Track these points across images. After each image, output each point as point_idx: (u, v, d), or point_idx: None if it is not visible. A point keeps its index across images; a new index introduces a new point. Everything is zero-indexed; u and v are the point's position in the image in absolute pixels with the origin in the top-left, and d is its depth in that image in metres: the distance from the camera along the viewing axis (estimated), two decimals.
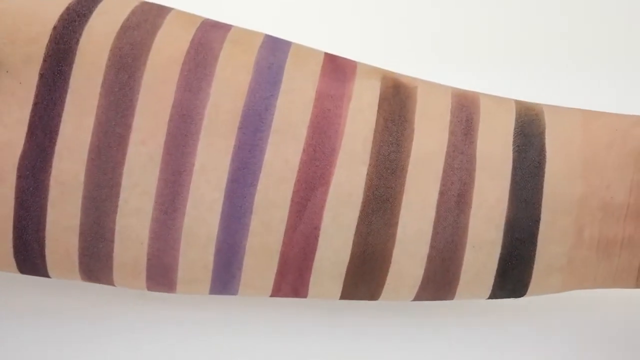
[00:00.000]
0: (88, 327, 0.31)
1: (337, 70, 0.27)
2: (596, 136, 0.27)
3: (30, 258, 0.27)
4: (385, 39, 0.41)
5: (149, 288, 0.28)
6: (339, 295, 0.28)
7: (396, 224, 0.26)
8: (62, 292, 0.32)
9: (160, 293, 0.29)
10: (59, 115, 0.26)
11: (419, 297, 0.28)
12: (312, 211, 0.26)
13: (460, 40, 0.41)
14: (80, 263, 0.27)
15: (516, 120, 0.27)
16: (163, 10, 0.28)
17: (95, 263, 0.27)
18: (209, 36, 0.27)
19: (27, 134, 0.26)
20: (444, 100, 0.27)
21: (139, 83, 0.26)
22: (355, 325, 0.31)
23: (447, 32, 0.42)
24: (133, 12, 0.27)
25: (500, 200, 0.26)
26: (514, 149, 0.26)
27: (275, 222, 0.26)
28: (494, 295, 0.28)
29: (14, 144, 0.26)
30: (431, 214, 0.26)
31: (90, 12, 0.27)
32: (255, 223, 0.26)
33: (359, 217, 0.26)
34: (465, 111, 0.27)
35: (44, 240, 0.27)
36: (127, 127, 0.26)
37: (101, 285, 0.29)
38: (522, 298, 0.28)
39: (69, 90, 0.26)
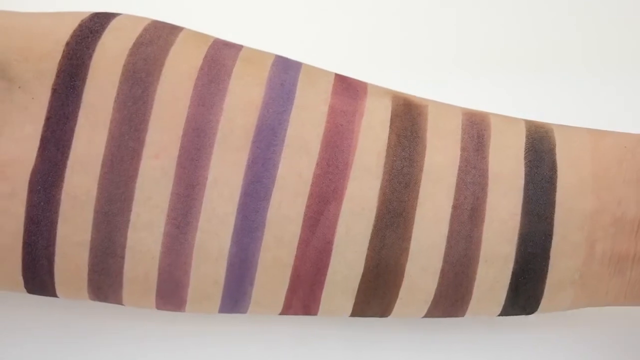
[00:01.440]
0: (90, 342, 0.30)
1: (349, 88, 0.28)
2: (606, 153, 0.27)
3: (38, 275, 0.27)
4: (390, 54, 0.40)
5: (158, 306, 0.28)
6: (350, 311, 0.28)
7: (409, 237, 0.26)
8: (64, 308, 0.32)
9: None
10: (72, 130, 0.26)
11: (430, 313, 0.28)
12: (325, 225, 0.26)
13: (465, 50, 0.41)
14: (90, 280, 0.27)
15: (526, 137, 0.27)
16: (175, 29, 0.28)
17: (105, 279, 0.27)
18: (222, 53, 0.27)
19: (39, 148, 0.26)
20: (455, 118, 0.28)
21: (152, 98, 0.26)
22: (362, 339, 0.31)
23: (451, 41, 0.41)
24: (146, 29, 0.27)
25: (513, 215, 0.26)
26: (525, 164, 0.27)
27: (288, 237, 0.26)
28: (505, 311, 0.28)
29: (25, 158, 0.26)
30: (444, 228, 0.26)
31: (103, 28, 0.27)
32: (268, 237, 0.26)
33: (372, 231, 0.26)
34: (476, 128, 0.27)
35: (53, 257, 0.26)
36: (140, 141, 0.26)
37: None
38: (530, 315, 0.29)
39: (82, 105, 0.26)
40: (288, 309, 0.28)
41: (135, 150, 0.26)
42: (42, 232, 0.26)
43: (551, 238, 0.26)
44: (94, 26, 0.27)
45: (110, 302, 0.28)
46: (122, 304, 0.28)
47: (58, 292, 0.28)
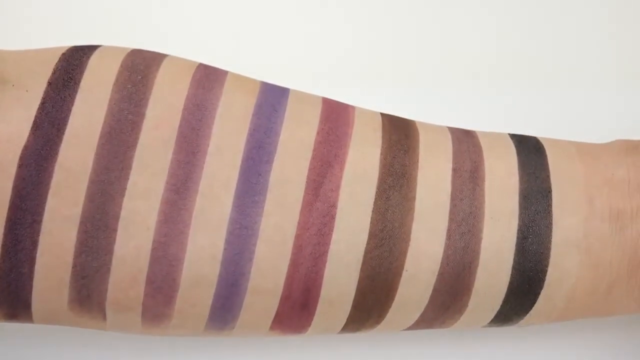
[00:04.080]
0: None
1: (338, 102, 0.29)
2: (583, 144, 0.29)
3: (17, 265, 0.25)
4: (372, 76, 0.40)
5: (146, 301, 0.25)
6: (351, 301, 0.26)
7: (413, 197, 0.26)
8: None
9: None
10: (68, 110, 0.26)
11: (435, 294, 0.26)
12: (329, 188, 0.26)
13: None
14: (74, 265, 0.25)
15: (508, 134, 0.29)
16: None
17: (92, 262, 0.25)
18: (213, 67, 0.29)
19: (32, 127, 0.25)
20: (438, 126, 0.29)
21: (152, 82, 0.27)
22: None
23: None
24: (138, 49, 0.29)
25: (512, 174, 0.27)
26: (513, 140, 0.28)
27: (290, 201, 0.25)
28: (512, 285, 0.26)
29: (17, 137, 0.25)
30: (447, 187, 0.26)
31: (99, 45, 0.28)
32: (270, 201, 0.25)
33: (376, 192, 0.26)
34: (459, 129, 0.29)
35: (37, 236, 0.25)
36: (140, 114, 0.26)
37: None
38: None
39: (79, 90, 0.26)
40: (286, 301, 0.26)
41: (135, 122, 0.26)
42: (29, 207, 0.25)
43: (551, 194, 0.27)
44: (89, 46, 0.28)
45: (92, 309, 0.26)
46: (103, 311, 0.26)
47: (34, 296, 0.25)
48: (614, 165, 0.27)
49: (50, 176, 0.25)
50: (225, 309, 0.26)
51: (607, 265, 0.27)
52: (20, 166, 0.25)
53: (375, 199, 0.26)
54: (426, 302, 0.27)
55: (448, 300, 0.27)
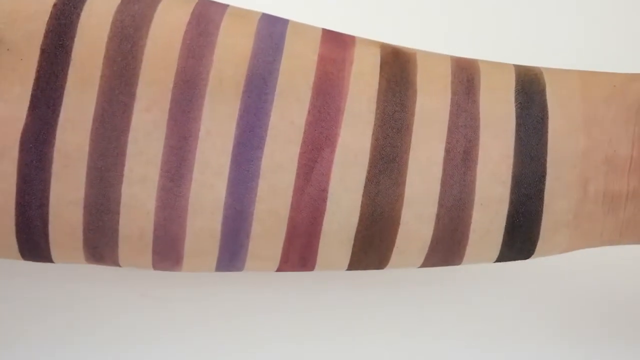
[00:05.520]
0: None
1: (337, 39, 0.28)
2: (594, 92, 0.27)
3: (32, 237, 0.27)
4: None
5: (155, 264, 0.28)
6: (347, 263, 0.28)
7: (404, 183, 0.26)
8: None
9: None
10: (62, 88, 0.26)
11: (427, 260, 0.28)
12: (320, 173, 0.26)
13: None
14: (85, 239, 0.27)
15: (516, 80, 0.27)
16: None
17: (100, 238, 0.27)
18: (209, 9, 0.27)
19: (29, 107, 0.25)
20: (444, 63, 0.28)
21: (142, 52, 0.26)
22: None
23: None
24: None
25: (506, 156, 0.26)
26: (516, 105, 0.27)
27: (282, 186, 0.26)
28: (502, 256, 0.28)
29: (15, 118, 0.25)
30: (438, 171, 0.26)
31: None
32: (263, 187, 0.26)
33: (367, 177, 0.26)
34: (465, 72, 0.27)
35: (47, 217, 0.26)
36: (131, 95, 0.26)
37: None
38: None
39: (71, 63, 0.26)
40: (285, 263, 0.28)
41: (127, 104, 0.26)
42: (35, 191, 0.26)
43: (544, 179, 0.26)
44: None
45: (107, 264, 0.28)
46: (118, 265, 0.28)
47: (53, 256, 0.27)
48: (618, 138, 0.26)
49: (50, 162, 0.26)
50: (230, 266, 0.28)
51: (597, 236, 0.27)
52: (21, 151, 0.26)
53: (366, 183, 0.26)
54: (420, 264, 0.28)
55: (441, 262, 0.28)
